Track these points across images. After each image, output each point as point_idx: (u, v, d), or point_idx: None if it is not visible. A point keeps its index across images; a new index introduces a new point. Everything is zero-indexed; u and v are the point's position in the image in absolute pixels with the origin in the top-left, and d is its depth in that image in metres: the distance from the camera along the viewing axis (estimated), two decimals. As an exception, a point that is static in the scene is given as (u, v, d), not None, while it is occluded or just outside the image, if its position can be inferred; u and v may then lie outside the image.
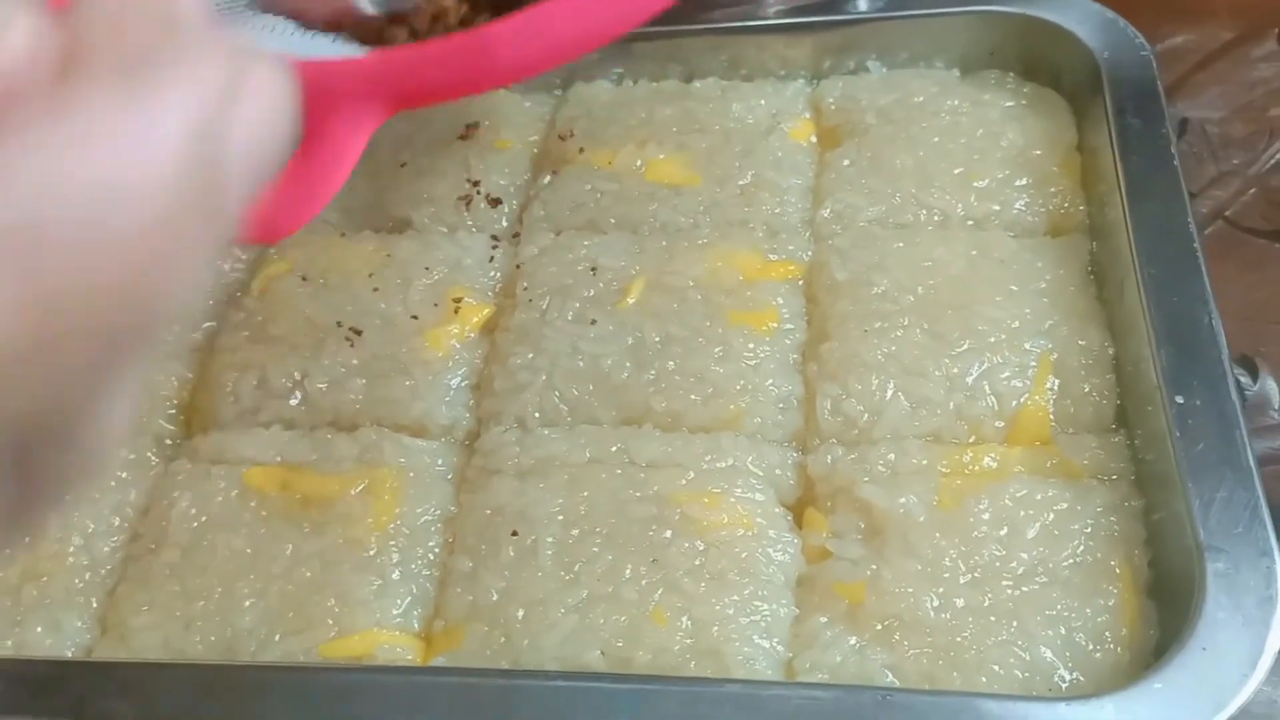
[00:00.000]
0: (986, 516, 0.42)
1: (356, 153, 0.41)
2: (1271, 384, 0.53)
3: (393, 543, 0.44)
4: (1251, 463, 0.41)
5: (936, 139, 0.54)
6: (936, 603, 0.40)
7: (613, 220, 0.53)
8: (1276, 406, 0.53)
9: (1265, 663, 0.36)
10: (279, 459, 0.47)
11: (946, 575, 0.41)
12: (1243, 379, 0.53)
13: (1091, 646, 0.39)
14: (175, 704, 0.39)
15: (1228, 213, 0.59)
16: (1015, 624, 0.39)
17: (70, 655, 0.43)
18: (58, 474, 0.17)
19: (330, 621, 0.42)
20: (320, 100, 0.41)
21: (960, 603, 0.40)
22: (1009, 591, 0.40)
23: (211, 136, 0.16)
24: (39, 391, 0.16)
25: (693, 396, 0.47)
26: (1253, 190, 0.60)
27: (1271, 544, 0.38)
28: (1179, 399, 0.42)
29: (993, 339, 0.47)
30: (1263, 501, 0.40)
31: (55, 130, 0.14)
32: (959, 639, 0.39)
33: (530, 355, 0.49)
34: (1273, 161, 0.61)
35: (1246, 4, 0.68)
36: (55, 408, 0.16)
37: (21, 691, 0.41)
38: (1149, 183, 0.49)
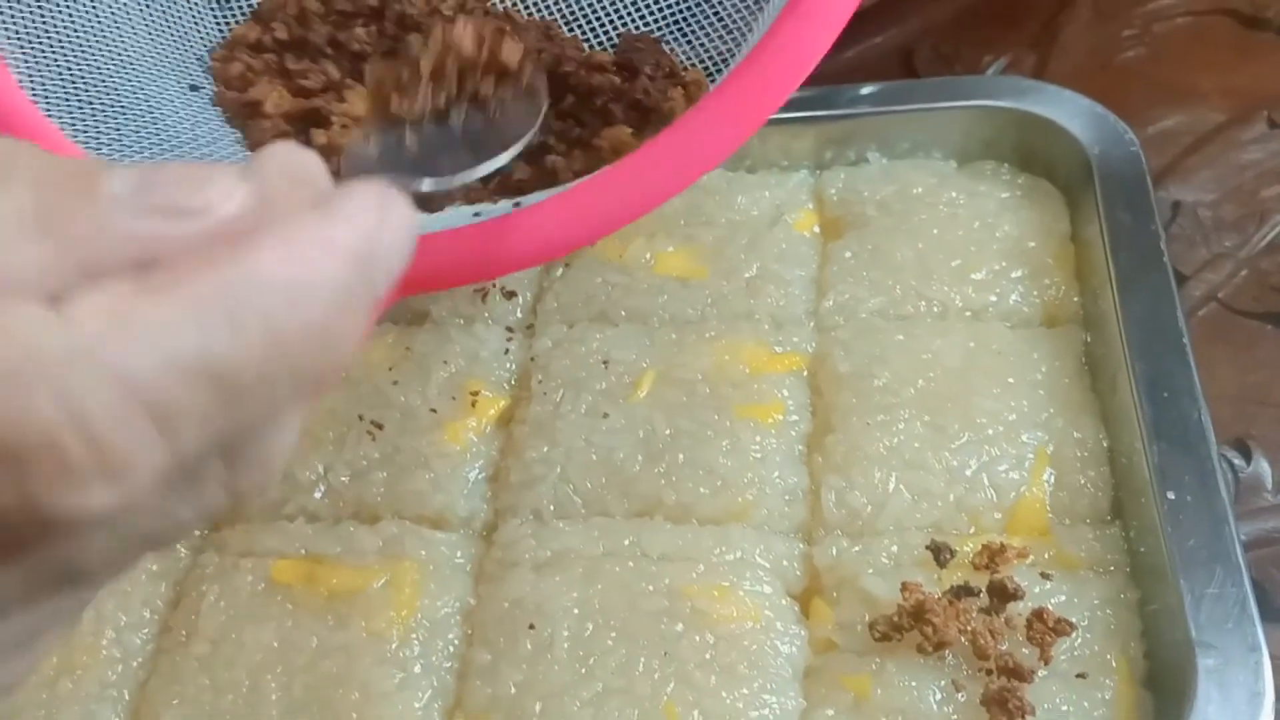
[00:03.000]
0: (986, 604, 0.44)
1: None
2: (1265, 466, 0.55)
3: (414, 635, 0.46)
4: (1240, 559, 0.42)
5: (935, 231, 0.56)
6: (939, 695, 0.42)
7: (623, 313, 0.55)
8: (1270, 488, 0.54)
9: (1255, 758, 0.38)
10: (304, 551, 0.49)
11: (949, 668, 0.42)
12: (1236, 461, 0.55)
13: (1089, 739, 0.41)
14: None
15: (1220, 295, 0.61)
16: (1015, 716, 0.41)
17: (104, 747, 0.45)
18: (245, 479, 0.24)
19: (354, 715, 0.44)
20: None
21: (962, 697, 0.42)
22: (1009, 683, 0.42)
23: (370, 251, 0.23)
24: (249, 412, 0.22)
25: (702, 489, 0.48)
26: (1244, 272, 0.62)
27: (1260, 640, 0.40)
28: (1170, 495, 0.44)
29: (991, 431, 0.48)
30: (1251, 598, 0.41)
31: (271, 245, 0.22)
32: (961, 732, 0.41)
33: (545, 448, 0.50)
34: (1264, 243, 0.63)
35: (1236, 87, 0.70)
36: (255, 427, 0.23)
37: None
38: (1139, 278, 0.51)
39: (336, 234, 0.23)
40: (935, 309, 0.54)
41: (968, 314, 0.53)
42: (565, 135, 0.54)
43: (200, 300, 0.21)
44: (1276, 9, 0.73)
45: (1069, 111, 0.58)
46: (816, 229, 0.58)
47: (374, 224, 0.24)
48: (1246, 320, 0.60)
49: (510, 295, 0.57)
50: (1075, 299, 0.54)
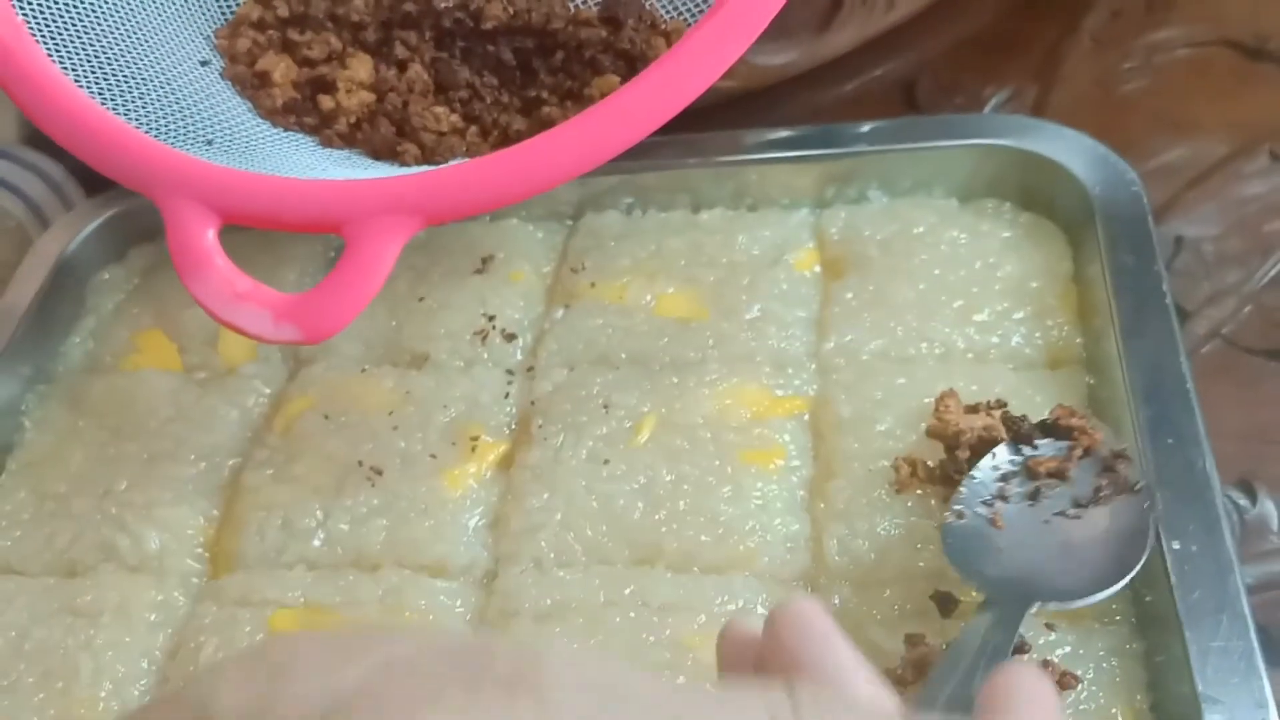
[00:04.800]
0: (991, 658, 0.43)
1: (391, 260, 0.46)
2: (1271, 507, 0.54)
3: (414, 687, 0.45)
4: (1246, 610, 0.42)
5: (937, 271, 0.56)
6: (944, 751, 0.41)
7: (624, 355, 0.55)
8: (1276, 530, 0.54)
9: (1263, 818, 0.37)
10: (303, 600, 0.49)
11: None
12: (1241, 502, 0.54)
13: (1095, 794, 0.40)
14: None
15: (1224, 331, 0.61)
16: (1020, 772, 0.40)
17: (102, 803, 0.45)
18: None
19: (354, 770, 0.43)
20: (356, 213, 0.47)
21: (966, 751, 0.41)
22: (1014, 738, 0.41)
23: None
24: None
25: (704, 537, 0.48)
26: (1248, 308, 0.62)
27: (1267, 695, 0.40)
28: (1175, 545, 0.44)
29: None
30: (1257, 650, 0.41)
31: None
32: (966, 789, 0.40)
33: (545, 495, 0.50)
34: (1268, 279, 0.63)
35: (1238, 119, 0.70)
36: None
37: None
38: (1142, 321, 0.50)
39: None
40: (938, 351, 0.53)
41: (970, 356, 0.53)
42: (558, 88, 0.59)
43: None
44: (1278, 40, 0.73)
45: (1070, 150, 0.57)
46: (818, 269, 0.58)
47: None
48: (1251, 357, 0.60)
49: (510, 337, 0.57)
50: (1078, 340, 0.53)
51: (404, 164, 0.56)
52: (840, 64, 0.72)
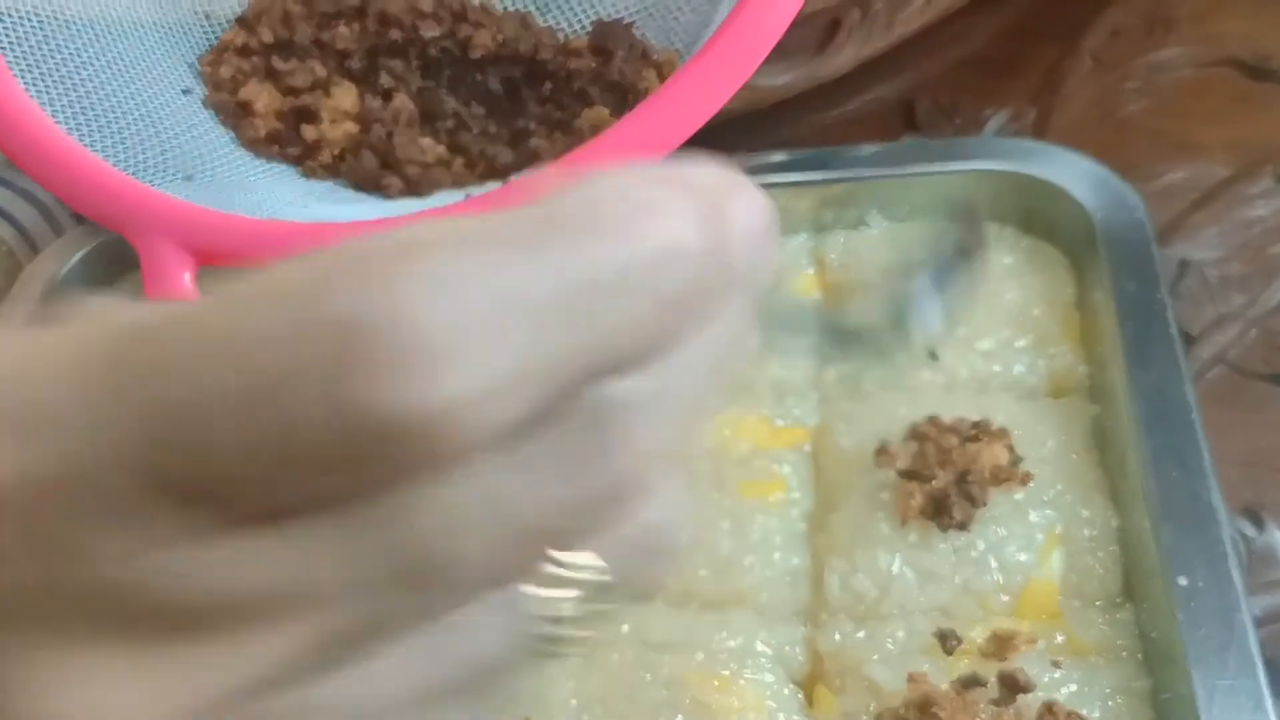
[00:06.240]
0: (996, 696, 0.43)
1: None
2: (1278, 535, 0.54)
3: (408, 727, 0.45)
4: (1254, 647, 0.41)
5: (938, 298, 0.55)
6: (947, 794, 0.41)
7: (621, 385, 0.54)
8: (1283, 559, 0.53)
9: None
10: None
11: (957, 762, 0.41)
12: (1248, 531, 0.54)
13: (1102, 838, 0.40)
14: None
15: (1229, 356, 0.60)
16: (1026, 814, 0.40)
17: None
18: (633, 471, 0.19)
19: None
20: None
21: (971, 794, 0.41)
22: (1019, 778, 0.41)
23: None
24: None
25: (702, 572, 0.47)
26: (1253, 332, 0.61)
27: (1276, 737, 0.39)
28: (1181, 580, 0.43)
29: (998, 510, 0.47)
30: (1265, 688, 0.40)
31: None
32: (970, 833, 0.40)
33: (542, 529, 0.49)
34: (1274, 303, 0.62)
35: (1241, 140, 0.69)
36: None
37: None
38: (1147, 350, 0.50)
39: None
40: (940, 380, 0.53)
41: (973, 385, 0.53)
42: (546, 119, 0.58)
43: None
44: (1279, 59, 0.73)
45: (1072, 174, 0.57)
46: (817, 295, 0.58)
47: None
48: (1256, 382, 0.59)
49: (506, 367, 0.56)
50: (1082, 368, 0.53)
51: (388, 196, 0.56)
52: (840, 84, 0.71)
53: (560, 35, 0.62)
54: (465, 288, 0.16)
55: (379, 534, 0.16)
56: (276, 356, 0.15)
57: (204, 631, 0.16)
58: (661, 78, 0.58)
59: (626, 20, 0.61)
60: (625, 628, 0.46)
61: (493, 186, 0.55)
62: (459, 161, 0.58)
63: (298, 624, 0.16)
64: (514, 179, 0.54)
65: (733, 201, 0.20)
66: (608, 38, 0.59)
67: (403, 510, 0.16)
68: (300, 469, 0.16)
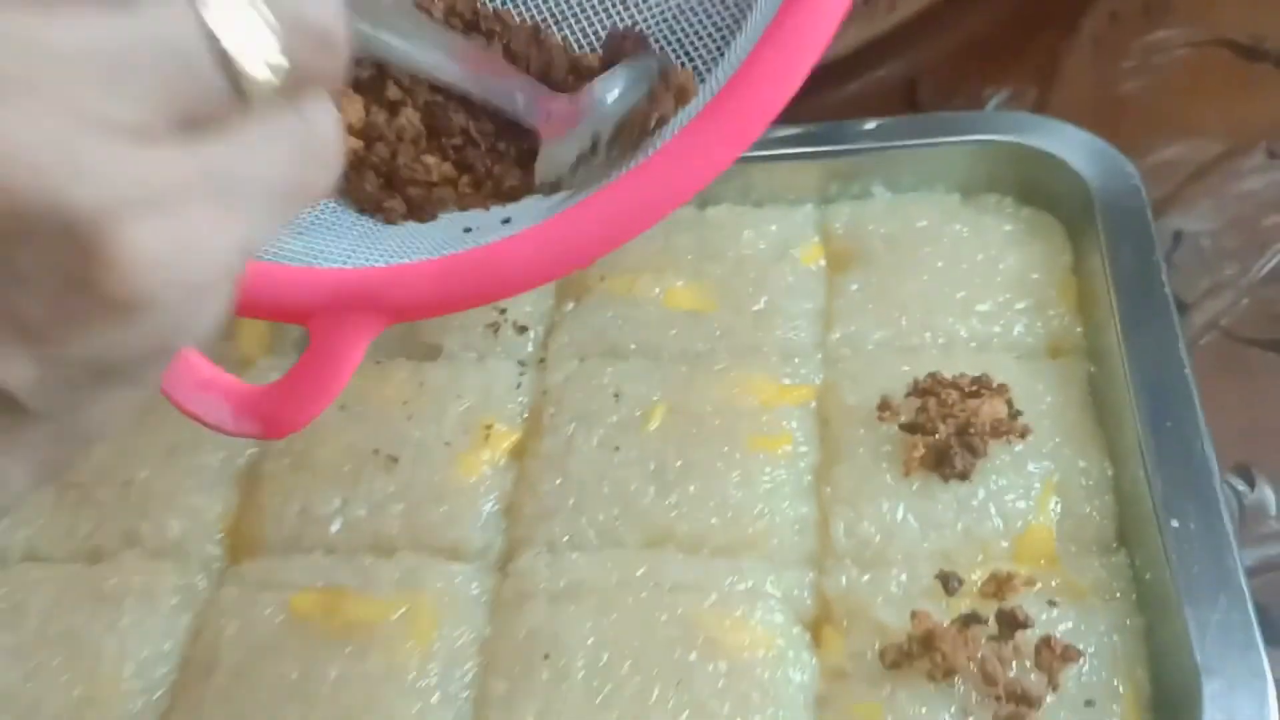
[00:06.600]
0: (995, 632, 0.45)
1: (357, 358, 0.44)
2: (1268, 492, 0.55)
3: (431, 665, 0.47)
4: (1244, 585, 0.43)
5: (940, 264, 0.57)
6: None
7: (634, 346, 0.56)
8: (1274, 514, 0.55)
9: (1260, 782, 0.38)
10: (322, 584, 0.50)
11: (959, 695, 0.43)
12: (1239, 487, 0.56)
13: (1097, 764, 0.41)
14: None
15: (1223, 323, 0.62)
16: (1024, 743, 0.42)
17: (127, 779, 0.46)
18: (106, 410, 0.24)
19: (374, 745, 0.45)
20: (325, 306, 0.45)
21: (973, 719, 0.42)
22: (1018, 710, 0.42)
23: None
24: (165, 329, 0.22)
25: (713, 520, 0.49)
26: (1246, 300, 0.63)
27: (1264, 667, 0.41)
28: (1174, 523, 0.45)
29: (998, 461, 0.49)
30: (1255, 624, 0.42)
31: None
32: (971, 758, 0.42)
33: (558, 481, 0.51)
34: (1265, 271, 0.64)
35: (1235, 118, 0.71)
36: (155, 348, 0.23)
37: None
38: (1142, 311, 0.52)
39: None
40: (941, 341, 0.55)
41: (973, 345, 0.54)
42: None
43: None
44: (1275, 40, 0.74)
45: (1070, 145, 0.59)
46: (822, 263, 0.59)
47: None
48: (1249, 348, 0.61)
49: (522, 330, 0.58)
50: (1078, 330, 0.54)
51: (389, 220, 0.54)
52: (842, 65, 0.73)
53: (575, 46, 0.58)
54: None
55: None
56: None
57: None
58: (678, 100, 0.52)
59: (642, 32, 0.57)
60: (640, 572, 0.48)
61: (495, 216, 0.52)
62: (465, 180, 0.56)
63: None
64: (516, 211, 0.51)
65: None
66: (619, 53, 0.56)
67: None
68: None
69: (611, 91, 0.50)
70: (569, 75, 0.56)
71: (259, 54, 0.23)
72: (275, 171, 0.24)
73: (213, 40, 0.22)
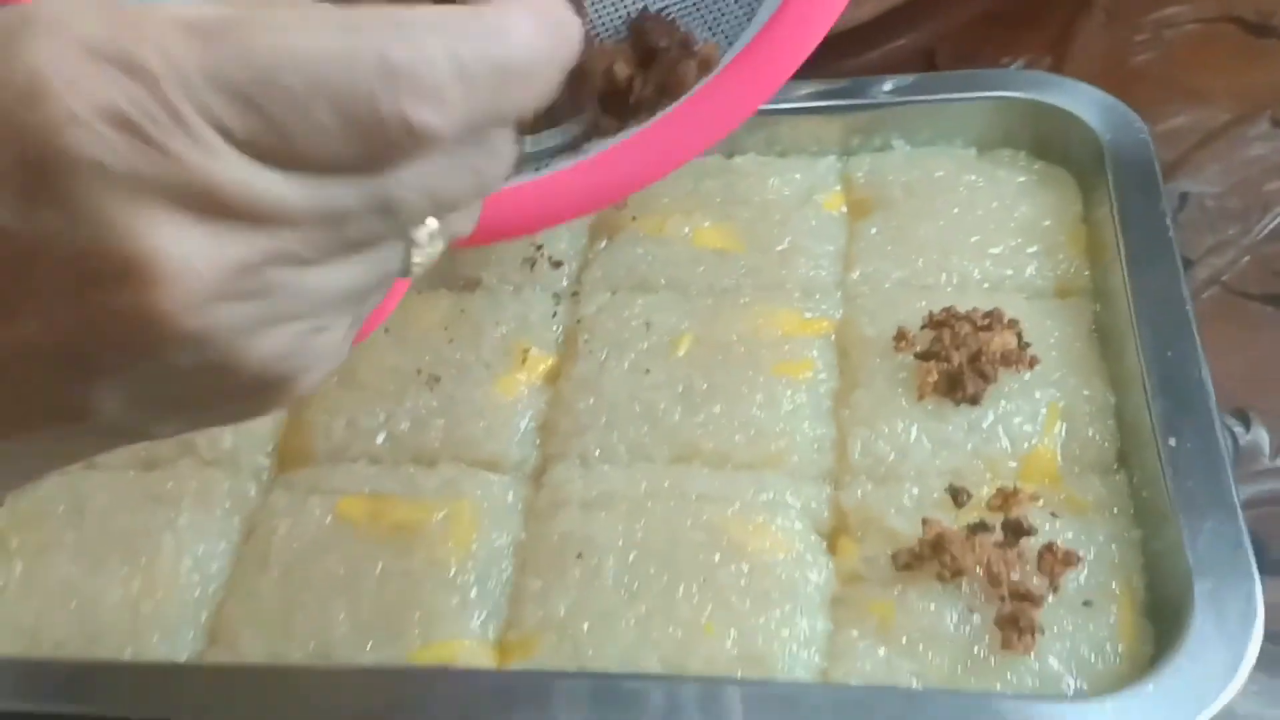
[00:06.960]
0: (1001, 539, 0.47)
1: (404, 287, 0.47)
2: (1263, 433, 0.58)
3: (470, 564, 0.50)
4: (1236, 499, 0.46)
5: (956, 211, 0.60)
6: (956, 618, 0.45)
7: (663, 281, 0.59)
8: (1267, 453, 0.58)
9: (1244, 670, 0.41)
10: (368, 490, 0.53)
11: (965, 594, 0.46)
12: (1236, 429, 0.58)
13: (1094, 659, 0.44)
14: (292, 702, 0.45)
15: (1224, 278, 0.65)
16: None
17: (184, 660, 0.49)
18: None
19: (417, 631, 0.48)
20: None
21: (978, 619, 0.45)
22: (1021, 610, 0.45)
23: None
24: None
25: (737, 438, 0.52)
26: (1247, 258, 0.66)
27: (1253, 569, 0.44)
28: (1171, 442, 0.48)
29: (1006, 388, 0.52)
30: (1245, 533, 0.45)
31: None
32: (977, 650, 0.44)
33: (591, 400, 0.54)
34: (1267, 231, 0.67)
35: (1242, 89, 0.74)
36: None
37: (140, 692, 0.46)
38: (1147, 254, 0.54)
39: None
40: (955, 280, 0.57)
41: (986, 285, 0.57)
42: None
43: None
44: (1281, 17, 0.77)
45: (1083, 102, 0.61)
46: (844, 209, 0.62)
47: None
48: (1249, 302, 0.64)
49: (557, 265, 0.61)
50: (1086, 273, 0.57)
51: None
52: (861, 34, 0.76)
53: (599, 33, 0.56)
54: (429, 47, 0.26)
55: (368, 187, 0.26)
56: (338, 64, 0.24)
57: (242, 217, 0.25)
58: (700, 71, 0.54)
59: (668, 14, 0.56)
60: (667, 483, 0.51)
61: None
62: None
63: (299, 230, 0.25)
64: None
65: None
66: (646, 35, 0.55)
67: (388, 173, 0.26)
68: (331, 134, 0.25)
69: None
70: (602, 78, 0.55)
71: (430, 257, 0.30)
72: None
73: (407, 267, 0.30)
